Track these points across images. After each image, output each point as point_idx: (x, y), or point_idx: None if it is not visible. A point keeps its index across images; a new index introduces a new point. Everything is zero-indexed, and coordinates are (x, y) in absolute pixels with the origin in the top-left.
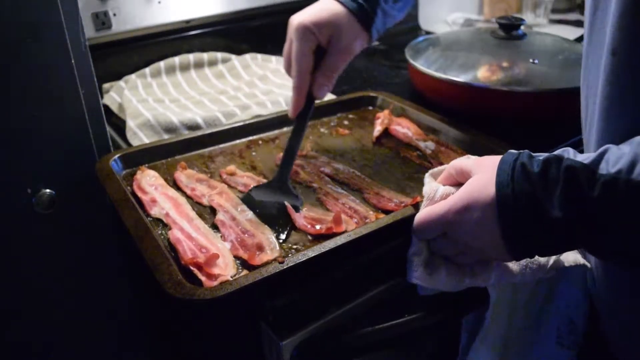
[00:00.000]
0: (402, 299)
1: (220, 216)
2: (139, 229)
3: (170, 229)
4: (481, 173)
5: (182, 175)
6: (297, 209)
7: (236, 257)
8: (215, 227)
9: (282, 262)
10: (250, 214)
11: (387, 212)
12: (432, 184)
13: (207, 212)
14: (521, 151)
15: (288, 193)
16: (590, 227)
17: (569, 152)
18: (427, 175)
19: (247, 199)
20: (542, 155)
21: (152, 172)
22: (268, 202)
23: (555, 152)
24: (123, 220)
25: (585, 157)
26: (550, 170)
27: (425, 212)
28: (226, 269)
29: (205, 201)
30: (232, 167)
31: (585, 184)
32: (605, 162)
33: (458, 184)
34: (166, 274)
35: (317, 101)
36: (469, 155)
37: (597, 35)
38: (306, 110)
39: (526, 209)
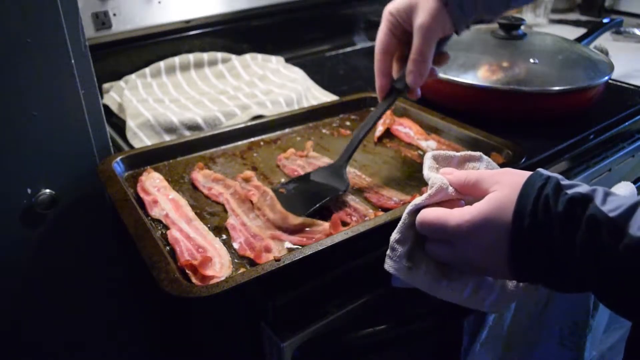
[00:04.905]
0: (404, 300)
1: (231, 220)
2: (138, 229)
3: (169, 229)
4: (500, 191)
5: (200, 175)
6: (336, 192)
7: (243, 257)
8: (216, 228)
9: (278, 260)
10: (260, 221)
11: (387, 210)
12: (443, 178)
13: (208, 213)
14: (550, 176)
15: (339, 177)
16: (605, 280)
17: (598, 195)
18: (429, 157)
19: (304, 178)
20: (570, 189)
21: (156, 175)
22: (319, 183)
23: (585, 191)
24: (123, 220)
25: (614, 207)
26: (574, 214)
27: (437, 215)
28: (222, 271)
29: (221, 200)
30: (249, 173)
31: (607, 239)
32: (635, 220)
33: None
34: (163, 272)
35: (409, 97)
36: (481, 155)
37: None
38: (386, 98)
39: (541, 246)
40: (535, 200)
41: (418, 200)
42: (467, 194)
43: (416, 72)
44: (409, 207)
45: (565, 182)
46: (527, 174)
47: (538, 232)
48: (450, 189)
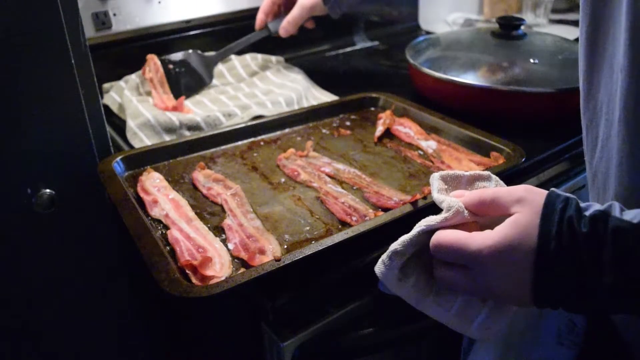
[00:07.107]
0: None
1: (228, 220)
2: (138, 229)
3: (169, 229)
4: (523, 213)
5: (200, 175)
6: (203, 83)
7: (237, 258)
8: (215, 228)
9: (278, 260)
10: (258, 222)
11: (387, 210)
12: (459, 201)
13: (208, 213)
14: (569, 197)
15: (209, 70)
16: (637, 292)
17: (615, 208)
18: (436, 178)
19: (187, 61)
20: (589, 210)
21: (156, 174)
22: (194, 70)
23: (602, 208)
24: (123, 220)
25: (634, 216)
26: (597, 231)
27: (456, 238)
28: (222, 271)
29: (220, 200)
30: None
31: (635, 247)
32: None
33: (484, 213)
34: (163, 272)
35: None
36: (490, 174)
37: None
38: (260, 31)
39: (567, 269)
40: (559, 223)
41: (432, 221)
42: (483, 213)
43: (287, 30)
44: (421, 227)
45: (582, 204)
46: (544, 192)
47: (564, 255)
48: (466, 212)
